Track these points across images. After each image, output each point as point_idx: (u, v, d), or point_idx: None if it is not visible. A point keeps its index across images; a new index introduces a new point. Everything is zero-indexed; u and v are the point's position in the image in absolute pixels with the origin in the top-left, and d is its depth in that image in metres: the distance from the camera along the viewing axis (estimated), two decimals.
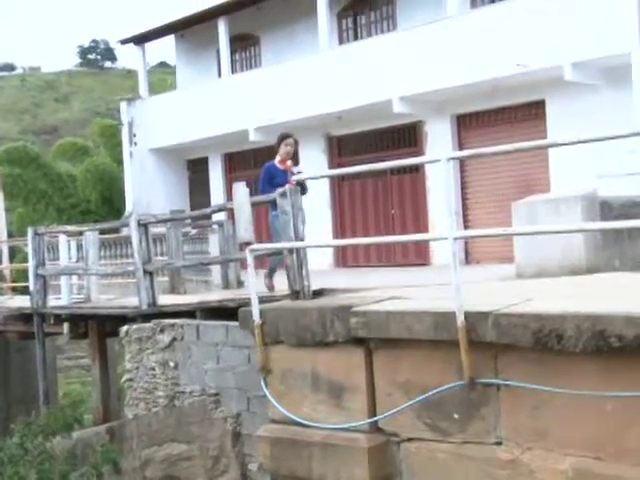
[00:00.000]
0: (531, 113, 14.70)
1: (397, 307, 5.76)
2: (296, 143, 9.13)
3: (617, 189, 10.42)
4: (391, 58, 15.49)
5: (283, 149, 9.00)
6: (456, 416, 5.40)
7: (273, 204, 7.87)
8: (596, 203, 8.52)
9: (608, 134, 5.48)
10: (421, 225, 16.07)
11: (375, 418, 5.79)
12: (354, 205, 17.72)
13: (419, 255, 16.24)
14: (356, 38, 18.29)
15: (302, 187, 7.72)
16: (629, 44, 12.31)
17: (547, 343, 4.79)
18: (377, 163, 6.67)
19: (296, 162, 9.27)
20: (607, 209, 8.51)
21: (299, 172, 8.66)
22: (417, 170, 16.19)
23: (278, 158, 9.06)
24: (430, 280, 8.54)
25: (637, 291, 6.32)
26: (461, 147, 15.46)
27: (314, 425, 6.07)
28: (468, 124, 15.69)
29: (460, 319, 5.13)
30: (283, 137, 9.13)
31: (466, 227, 15.40)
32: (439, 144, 15.44)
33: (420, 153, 15.65)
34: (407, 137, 16.74)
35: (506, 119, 15.04)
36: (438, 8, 15.55)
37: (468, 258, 15.49)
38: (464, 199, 15.68)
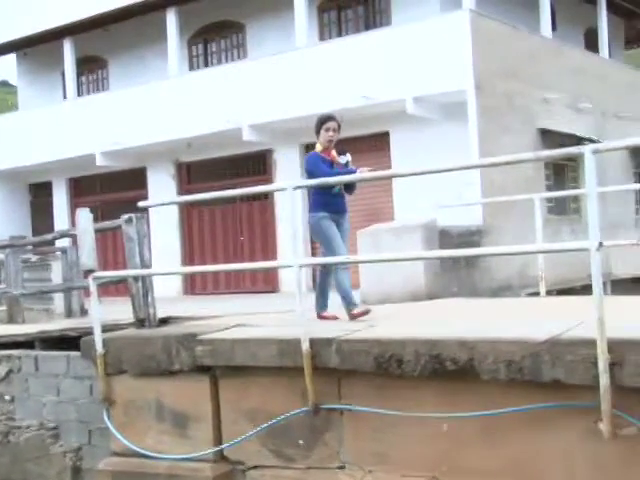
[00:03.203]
0: (376, 144, 15.17)
1: (243, 334, 5.78)
2: (339, 127, 6.96)
3: (455, 219, 10.92)
4: (241, 86, 15.59)
5: (324, 135, 6.85)
6: (301, 442, 5.46)
7: (319, 204, 6.77)
8: (436, 232, 8.92)
9: (443, 166, 5.77)
10: (270, 252, 16.17)
11: (220, 447, 5.76)
12: (203, 232, 17.61)
13: (267, 282, 16.32)
14: (206, 65, 18.30)
15: (350, 185, 6.84)
16: (464, 82, 13.01)
17: (388, 368, 4.95)
18: (226, 190, 6.71)
19: (341, 150, 7.03)
20: (446, 237, 8.92)
21: (347, 163, 6.99)
22: (266, 197, 16.32)
23: (319, 147, 6.90)
24: (277, 307, 8.60)
25: (471, 316, 6.64)
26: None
27: (158, 456, 5.96)
28: None
29: (305, 346, 5.21)
30: (324, 120, 6.88)
31: (314, 255, 15.61)
32: (288, 172, 15.63)
33: (269, 181, 15.79)
34: (257, 165, 16.85)
35: (353, 149, 15.35)
36: (288, 38, 15.83)
37: (316, 285, 15.68)
38: None
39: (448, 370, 4.72)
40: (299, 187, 5.98)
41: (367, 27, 16.01)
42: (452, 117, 13.70)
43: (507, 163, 5.39)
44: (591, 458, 4.47)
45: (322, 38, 16.47)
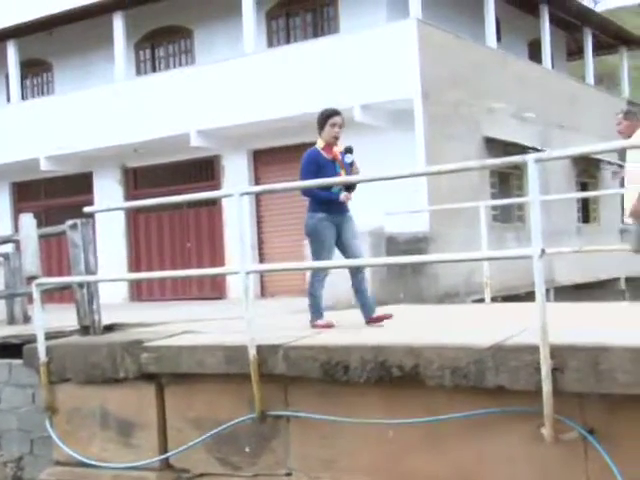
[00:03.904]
0: None
1: (189, 342, 5.74)
2: (344, 123, 6.53)
3: (402, 225, 11.01)
4: (189, 92, 15.50)
5: (329, 131, 6.40)
6: (247, 449, 5.44)
7: (318, 203, 6.44)
8: (383, 238, 8.98)
9: (392, 174, 5.82)
10: (217, 258, 16.09)
11: (165, 455, 5.70)
12: (150, 238, 17.43)
13: (215, 288, 16.23)
14: (154, 70, 18.14)
15: (351, 185, 6.43)
16: (412, 90, 13.14)
17: (334, 374, 4.97)
18: (174, 196, 6.64)
19: (347, 148, 6.53)
20: (393, 244, 8.99)
21: (352, 162, 6.51)
22: (214, 204, 16.23)
23: (321, 143, 6.47)
24: (225, 314, 8.57)
25: (417, 322, 6.70)
26: (257, 182, 15.69)
27: (102, 465, 5.88)
28: (264, 159, 15.98)
29: (252, 353, 5.20)
30: (328, 114, 6.45)
31: (262, 261, 15.60)
32: (236, 178, 15.58)
33: (217, 187, 15.71)
34: (205, 171, 16.76)
35: (302, 156, 15.43)
36: (236, 45, 15.79)
37: (264, 292, 15.68)
38: (260, 233, 15.90)
39: (394, 376, 4.75)
40: (246, 193, 5.96)
41: (315, 34, 16.07)
42: (400, 125, 13.81)
43: (453, 171, 5.47)
44: (534, 463, 4.54)
45: (270, 45, 16.47)
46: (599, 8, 36.40)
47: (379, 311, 6.41)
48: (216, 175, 16.46)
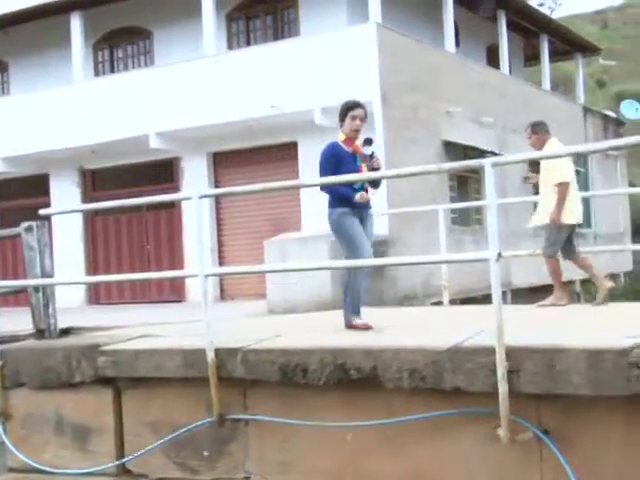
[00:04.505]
0: (285, 154, 15.21)
1: (147, 345, 5.69)
2: (366, 116, 6.31)
3: None
4: (148, 93, 15.38)
5: (350, 124, 6.19)
6: (206, 453, 5.42)
7: (337, 199, 6.12)
8: None
9: (348, 177, 5.84)
10: (177, 261, 15.97)
11: (123, 460, 5.64)
12: (108, 240, 17.24)
13: (174, 291, 16.11)
14: (113, 71, 17.97)
15: (375, 180, 6.20)
16: (371, 94, 13.19)
17: (293, 377, 4.96)
18: (133, 198, 6.59)
19: (367, 140, 6.26)
20: None
21: (372, 154, 6.23)
22: (173, 206, 16.12)
23: (342, 137, 6.26)
24: (184, 317, 8.52)
25: (376, 325, 6.70)
26: (217, 184, 15.63)
27: (57, 472, 5.80)
28: (224, 162, 15.92)
29: (210, 356, 5.17)
30: (349, 107, 6.24)
31: (222, 264, 15.53)
32: (195, 181, 15.49)
33: (177, 189, 15.60)
34: (164, 173, 16.62)
35: (262, 159, 15.45)
36: (196, 47, 15.72)
37: (223, 294, 15.61)
38: (220, 236, 15.82)
39: (353, 379, 4.76)
40: (205, 196, 5.94)
41: (276, 37, 16.06)
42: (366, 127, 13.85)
43: (412, 174, 5.50)
44: (490, 464, 4.58)
45: (230, 47, 16.42)
46: (555, 15, 36.95)
47: (339, 314, 6.40)
48: (175, 177, 16.35)
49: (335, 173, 5.93)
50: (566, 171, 7.64)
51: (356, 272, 6.05)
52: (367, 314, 6.22)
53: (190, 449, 5.45)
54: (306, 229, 13.46)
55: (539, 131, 7.85)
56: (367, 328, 5.91)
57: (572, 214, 7.65)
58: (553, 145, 7.77)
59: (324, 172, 6.07)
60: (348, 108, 6.21)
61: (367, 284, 6.22)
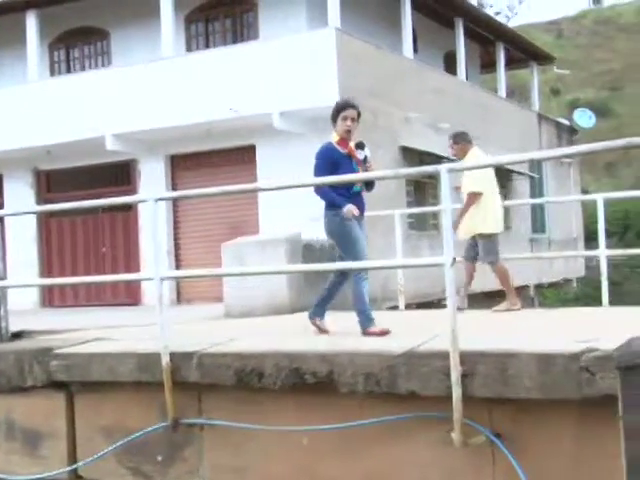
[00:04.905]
0: (243, 157, 15.17)
1: (100, 349, 5.63)
2: (359, 116, 6.19)
3: (321, 233, 11.04)
4: (105, 94, 15.20)
5: (341, 125, 6.07)
6: (159, 458, 5.37)
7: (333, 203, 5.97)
8: (300, 246, 8.99)
9: (311, 180, 5.86)
10: (133, 264, 15.82)
11: (74, 465, 5.57)
12: (63, 243, 17.01)
13: (130, 295, 15.95)
14: (69, 71, 17.75)
15: (369, 182, 6.12)
16: (330, 98, 13.19)
17: (249, 382, 4.95)
18: (89, 200, 6.51)
19: (359, 143, 6.20)
20: (309, 251, 9.01)
21: (366, 158, 6.15)
22: (129, 209, 15.97)
23: (336, 137, 6.14)
24: (139, 320, 8.44)
25: (332, 329, 6.72)
26: (175, 187, 15.53)
27: (7, 478, 5.70)
28: (182, 165, 15.82)
29: (165, 360, 5.14)
30: (341, 107, 6.14)
31: (179, 267, 15.43)
32: (152, 183, 15.36)
33: (133, 191, 15.46)
34: (121, 175, 16.46)
35: (220, 162, 15.38)
36: (154, 48, 15.60)
37: (180, 298, 15.51)
38: (177, 239, 15.72)
39: (308, 383, 4.77)
40: (161, 199, 5.90)
41: (235, 40, 16.02)
42: (319, 131, 13.81)
43: (368, 179, 5.53)
44: (444, 467, 4.62)
45: (189, 49, 16.33)
46: (511, 24, 37.44)
47: (296, 318, 6.41)
48: (132, 180, 16.20)
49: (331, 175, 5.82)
50: (481, 181, 7.77)
51: (359, 277, 5.96)
52: (327, 319, 6.25)
53: (143, 454, 5.40)
54: (264, 233, 13.43)
55: (460, 141, 8.00)
56: (384, 333, 5.71)
57: (496, 223, 7.82)
58: (474, 154, 7.90)
59: (320, 175, 5.92)
60: (339, 109, 6.13)
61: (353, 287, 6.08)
